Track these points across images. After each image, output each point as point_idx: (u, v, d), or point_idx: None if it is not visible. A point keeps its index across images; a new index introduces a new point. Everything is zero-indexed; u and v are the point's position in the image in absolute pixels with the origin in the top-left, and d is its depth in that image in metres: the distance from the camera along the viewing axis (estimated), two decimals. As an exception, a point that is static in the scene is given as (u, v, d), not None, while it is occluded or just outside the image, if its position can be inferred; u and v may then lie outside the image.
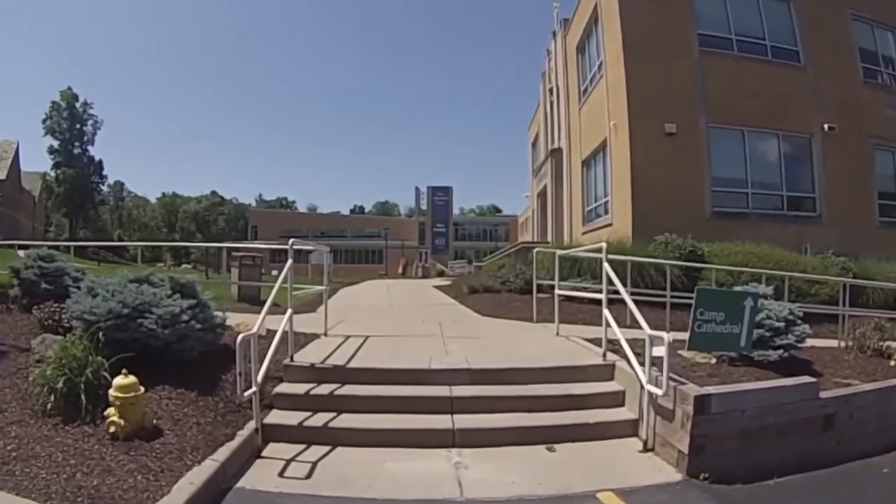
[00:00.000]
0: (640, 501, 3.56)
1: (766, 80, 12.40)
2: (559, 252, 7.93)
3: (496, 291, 11.04)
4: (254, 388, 4.14)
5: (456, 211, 68.74)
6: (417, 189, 64.70)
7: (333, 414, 4.53)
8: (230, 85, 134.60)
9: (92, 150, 54.47)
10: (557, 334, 6.80)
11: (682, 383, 4.29)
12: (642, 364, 4.53)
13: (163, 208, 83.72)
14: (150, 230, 77.75)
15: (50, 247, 7.87)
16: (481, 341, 6.60)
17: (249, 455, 4.02)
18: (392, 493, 3.60)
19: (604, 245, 5.95)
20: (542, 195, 22.29)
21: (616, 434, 4.52)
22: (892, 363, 5.88)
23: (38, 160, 79.93)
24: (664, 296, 7.68)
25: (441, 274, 33.55)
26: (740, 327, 5.01)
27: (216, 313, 5.49)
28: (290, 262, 5.51)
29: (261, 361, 4.36)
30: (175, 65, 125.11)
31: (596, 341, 5.85)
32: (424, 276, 31.80)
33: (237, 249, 11.39)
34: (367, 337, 6.46)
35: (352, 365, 5.26)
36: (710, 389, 4.18)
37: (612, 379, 5.18)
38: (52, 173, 52.03)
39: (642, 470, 4.02)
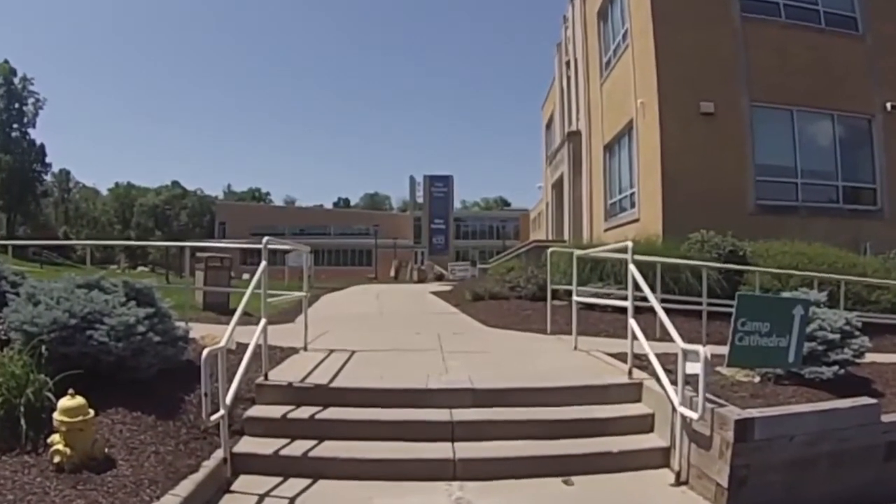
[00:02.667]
0: (671, 543, 3.57)
1: (819, 52, 12.42)
2: (577, 252, 7.94)
3: (504, 298, 11.06)
4: (222, 412, 4.14)
5: (457, 204, 68.96)
6: (412, 179, 64.66)
7: (314, 441, 4.54)
8: (194, 59, 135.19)
9: (33, 133, 54.82)
10: (576, 348, 6.81)
11: (721, 405, 4.29)
12: (674, 383, 4.54)
13: (116, 201, 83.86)
14: (101, 227, 77.88)
15: (-16, 246, 7.88)
16: (487, 357, 6.62)
17: (216, 489, 4.02)
18: (383, 533, 3.61)
19: (629, 244, 5.95)
20: (558, 186, 22.35)
21: (644, 464, 4.52)
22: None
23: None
24: (700, 303, 7.70)
25: (440, 278, 33.61)
26: (788, 340, 5.01)
27: (178, 324, 5.50)
28: (263, 263, 5.51)
29: (230, 380, 4.36)
30: (130, 35, 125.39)
31: (620, 356, 5.86)
32: (420, 281, 31.81)
33: (202, 249, 11.41)
34: (353, 352, 6.47)
35: (336, 384, 5.27)
36: (754, 412, 4.19)
37: (639, 400, 5.19)
38: (-13, 160, 52.18)
39: (674, 506, 4.02)
